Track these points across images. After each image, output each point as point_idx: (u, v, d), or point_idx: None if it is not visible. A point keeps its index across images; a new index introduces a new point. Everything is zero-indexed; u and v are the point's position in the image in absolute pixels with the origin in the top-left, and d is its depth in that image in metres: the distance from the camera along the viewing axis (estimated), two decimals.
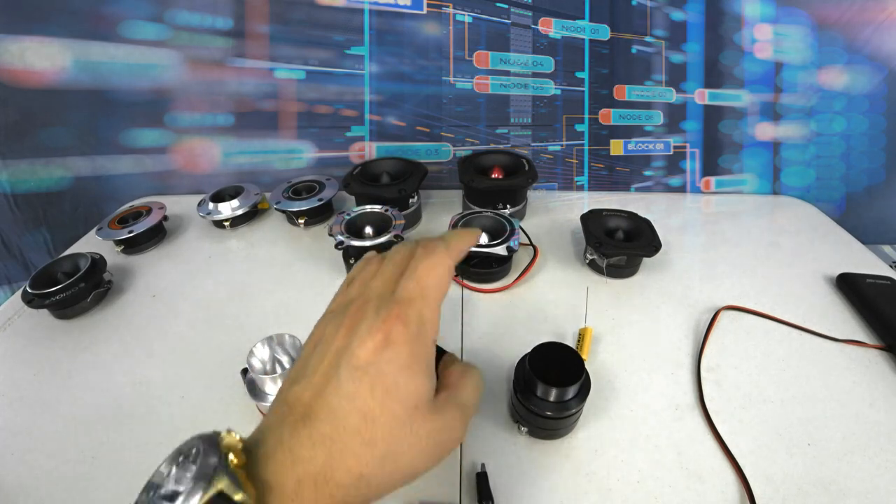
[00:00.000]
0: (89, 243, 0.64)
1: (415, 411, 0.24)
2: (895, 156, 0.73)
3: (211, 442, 0.21)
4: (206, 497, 0.19)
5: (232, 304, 0.53)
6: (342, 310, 0.27)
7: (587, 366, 0.36)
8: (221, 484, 0.19)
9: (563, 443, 0.38)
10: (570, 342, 0.46)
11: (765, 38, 0.69)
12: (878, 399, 0.41)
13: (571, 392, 0.35)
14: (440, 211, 0.69)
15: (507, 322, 0.49)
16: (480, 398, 0.29)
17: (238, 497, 0.19)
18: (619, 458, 0.37)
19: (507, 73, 0.71)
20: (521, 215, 0.67)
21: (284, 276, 0.57)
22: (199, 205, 0.65)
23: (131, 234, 0.59)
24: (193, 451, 0.21)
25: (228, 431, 0.22)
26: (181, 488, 0.19)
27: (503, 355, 0.45)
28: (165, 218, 0.63)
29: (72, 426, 0.40)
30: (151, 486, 0.20)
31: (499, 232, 0.55)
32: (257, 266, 0.59)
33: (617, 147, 0.75)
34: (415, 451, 0.24)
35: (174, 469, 0.20)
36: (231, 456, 0.20)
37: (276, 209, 0.64)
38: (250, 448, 0.22)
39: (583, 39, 0.70)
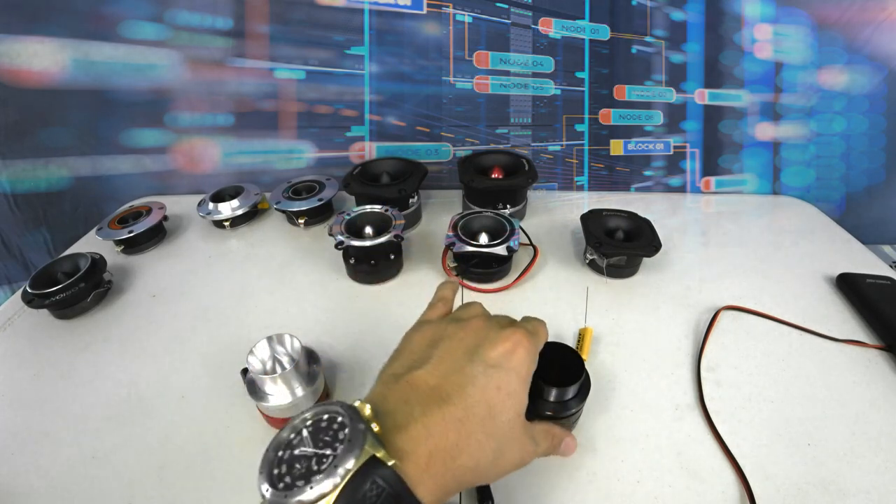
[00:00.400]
0: (89, 243, 0.64)
1: (518, 419, 0.27)
2: (895, 156, 0.73)
3: (354, 411, 0.22)
4: (362, 461, 0.20)
5: (232, 304, 0.53)
6: (456, 321, 0.30)
7: (587, 366, 0.36)
8: (373, 449, 0.21)
9: None
10: (570, 342, 0.46)
11: (765, 38, 0.69)
12: (878, 399, 0.41)
13: (571, 392, 0.35)
14: (440, 211, 0.69)
15: None
16: (546, 454, 0.32)
17: (391, 462, 0.21)
18: (619, 458, 0.37)
19: (507, 73, 0.71)
20: (521, 215, 0.67)
21: (284, 276, 0.57)
22: (199, 205, 0.65)
23: (131, 234, 0.59)
24: (337, 419, 0.22)
25: (361, 402, 0.23)
26: (329, 451, 0.21)
27: None
28: (165, 218, 0.63)
29: (72, 426, 0.40)
30: (283, 444, 0.22)
31: (499, 232, 0.55)
32: (257, 266, 0.59)
33: (617, 147, 0.75)
34: (514, 452, 0.27)
35: (308, 434, 0.22)
36: (373, 424, 0.22)
37: (276, 209, 0.64)
38: (376, 419, 0.23)
39: (583, 39, 0.70)
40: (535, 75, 0.71)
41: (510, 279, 0.54)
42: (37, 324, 0.51)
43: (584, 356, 0.43)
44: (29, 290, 0.49)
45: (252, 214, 0.67)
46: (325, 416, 0.23)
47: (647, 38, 0.71)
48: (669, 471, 0.36)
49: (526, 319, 0.33)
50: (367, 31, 0.67)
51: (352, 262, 0.54)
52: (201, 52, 0.66)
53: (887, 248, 0.76)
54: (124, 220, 0.61)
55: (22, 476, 0.37)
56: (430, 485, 0.22)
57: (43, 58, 0.62)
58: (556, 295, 0.53)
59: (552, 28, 0.70)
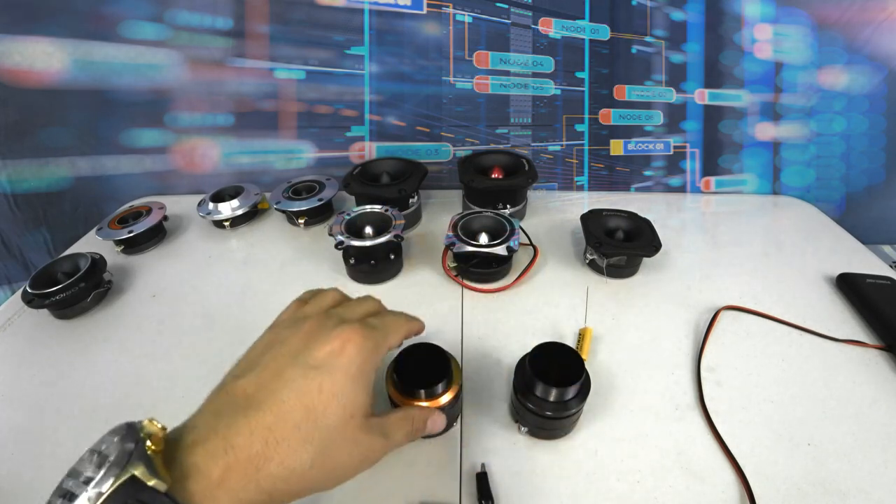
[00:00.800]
0: (89, 243, 0.64)
1: (350, 420, 0.26)
2: (895, 156, 0.73)
3: (131, 429, 0.22)
4: (119, 482, 0.19)
5: (232, 303, 0.53)
6: (298, 320, 0.29)
7: (587, 366, 0.36)
8: (135, 469, 0.20)
9: (563, 443, 0.38)
10: (570, 342, 0.46)
11: (765, 38, 0.69)
12: (878, 399, 0.41)
13: (571, 392, 0.35)
14: (440, 211, 0.69)
15: (507, 322, 0.49)
16: (408, 440, 0.31)
17: (151, 482, 0.20)
18: (619, 458, 0.37)
19: (507, 73, 0.71)
20: (521, 215, 0.67)
21: (284, 276, 0.57)
22: (199, 205, 0.65)
23: (131, 234, 0.59)
24: (115, 438, 0.21)
25: (151, 420, 0.22)
26: (95, 474, 0.20)
27: (503, 355, 0.45)
28: (165, 218, 0.63)
29: (72, 426, 0.40)
30: (72, 473, 0.21)
31: (499, 232, 0.55)
32: (257, 266, 0.59)
33: (617, 147, 0.75)
34: (344, 456, 0.26)
35: (95, 456, 0.21)
36: (149, 442, 0.21)
37: (276, 209, 0.64)
38: (179, 435, 0.23)
39: (583, 39, 0.70)
40: (535, 75, 0.71)
41: (510, 279, 0.54)
42: (37, 324, 0.51)
43: (583, 356, 0.43)
44: (29, 290, 0.49)
45: (252, 214, 0.67)
46: (108, 437, 0.22)
47: (647, 38, 0.71)
48: (669, 471, 0.36)
49: (381, 314, 0.32)
50: (367, 31, 0.67)
51: (352, 262, 0.54)
52: (201, 52, 0.66)
53: (887, 248, 0.76)
54: (124, 220, 0.61)
55: (22, 476, 0.36)
56: (225, 500, 0.21)
57: (43, 58, 0.62)
58: (556, 295, 0.53)
59: (552, 28, 0.70)
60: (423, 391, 0.35)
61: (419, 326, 0.34)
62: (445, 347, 0.38)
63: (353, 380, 0.26)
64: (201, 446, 0.22)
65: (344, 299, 0.34)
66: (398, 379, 0.35)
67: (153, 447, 0.21)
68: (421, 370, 0.36)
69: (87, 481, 0.20)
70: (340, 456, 0.26)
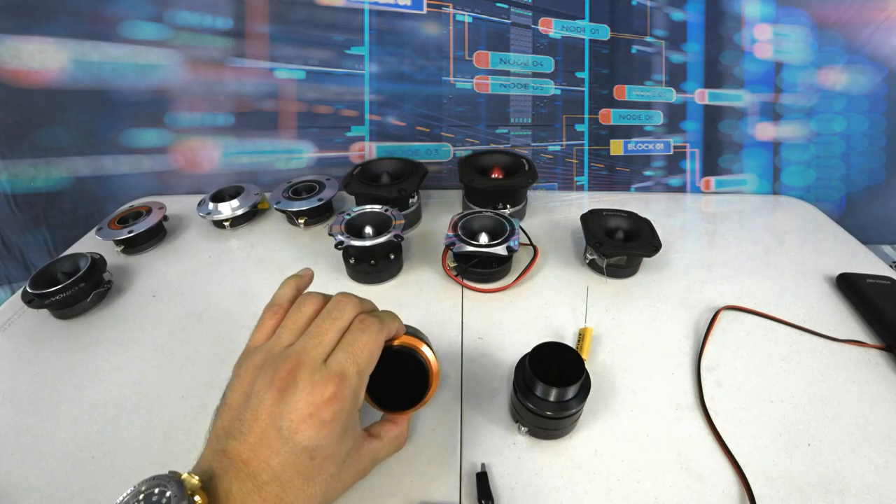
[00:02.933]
0: (89, 243, 0.64)
1: (344, 464, 0.29)
2: (895, 156, 0.73)
3: (180, 486, 0.23)
4: None
5: (232, 304, 0.53)
6: (272, 361, 0.29)
7: (587, 366, 0.36)
8: None
9: (563, 443, 0.38)
10: (571, 342, 0.46)
11: (765, 38, 0.69)
12: (878, 399, 0.41)
13: (571, 392, 0.35)
14: (440, 211, 0.69)
15: (507, 322, 0.49)
16: (393, 453, 0.35)
17: None
18: (619, 458, 0.37)
19: (507, 73, 0.71)
20: (521, 215, 0.67)
21: (284, 276, 0.56)
22: (199, 205, 0.65)
23: (131, 234, 0.59)
24: (165, 493, 0.23)
25: (189, 474, 0.24)
26: None
27: (503, 355, 0.45)
28: (165, 218, 0.63)
29: (72, 426, 0.40)
30: None
31: (499, 232, 0.55)
32: (257, 266, 0.59)
33: (617, 147, 0.75)
34: (339, 490, 0.30)
35: None
36: (197, 498, 0.23)
37: (276, 209, 0.64)
38: (205, 487, 0.24)
39: (583, 39, 0.70)
40: (535, 75, 0.71)
41: (510, 279, 0.54)
42: (37, 324, 0.51)
43: (583, 356, 0.43)
44: (29, 290, 0.49)
45: (252, 214, 0.67)
46: (157, 490, 0.23)
47: (647, 38, 0.71)
48: (669, 471, 0.36)
49: (355, 333, 0.30)
50: (367, 31, 0.67)
51: (352, 262, 0.54)
52: (201, 52, 0.66)
53: (887, 248, 0.76)
54: (124, 220, 0.61)
55: (22, 475, 0.37)
56: None
57: (43, 58, 0.62)
58: (556, 295, 0.53)
59: (552, 28, 0.70)
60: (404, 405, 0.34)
61: (393, 327, 0.33)
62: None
63: (339, 438, 0.28)
64: None
65: (318, 308, 0.32)
66: (373, 398, 0.34)
67: (200, 501, 0.23)
68: (395, 378, 0.34)
69: None
70: (337, 492, 0.30)
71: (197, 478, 0.24)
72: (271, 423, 0.26)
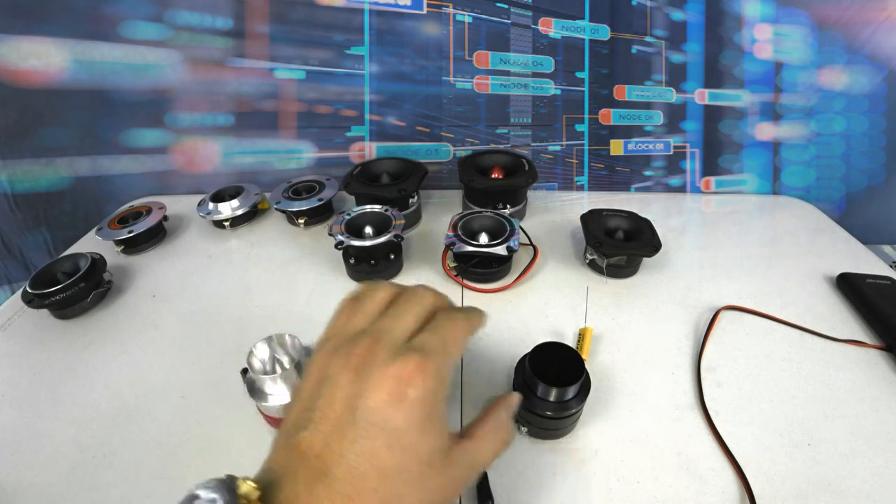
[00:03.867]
0: (89, 243, 0.64)
1: (428, 468, 0.24)
2: (895, 156, 0.73)
3: (230, 491, 0.21)
4: None
5: (232, 304, 0.53)
6: (347, 343, 0.26)
7: (587, 366, 0.36)
8: None
9: (563, 443, 0.38)
10: (571, 342, 0.46)
11: (765, 38, 0.69)
12: (878, 399, 0.41)
13: (571, 392, 0.35)
14: (440, 211, 0.69)
15: (507, 322, 0.49)
16: (498, 454, 0.28)
17: None
18: (619, 458, 0.37)
19: (507, 73, 0.71)
20: (521, 215, 0.67)
21: (284, 276, 0.57)
22: (199, 205, 0.65)
23: (131, 234, 0.59)
24: (213, 502, 0.20)
25: (244, 479, 0.22)
26: None
27: (503, 355, 0.45)
28: (165, 218, 0.63)
29: (72, 426, 0.40)
30: None
31: (499, 232, 0.55)
32: (257, 266, 0.59)
33: (617, 147, 0.75)
34: (431, 493, 0.24)
35: None
36: None
37: (276, 209, 0.64)
38: (264, 491, 0.22)
39: (583, 39, 0.70)
40: (535, 75, 0.71)
41: (510, 279, 0.54)
42: (37, 324, 0.51)
43: (584, 356, 0.43)
44: (29, 290, 0.49)
45: (252, 214, 0.67)
46: (205, 496, 0.21)
47: (647, 38, 0.71)
48: (669, 471, 0.36)
49: (436, 322, 0.28)
50: (367, 31, 0.67)
51: (352, 262, 0.54)
52: (201, 52, 0.66)
53: (887, 248, 0.76)
54: (124, 220, 0.61)
55: (22, 476, 0.36)
56: None
57: (43, 58, 0.62)
58: (556, 295, 0.53)
59: (552, 28, 0.70)
60: None
61: (478, 321, 0.30)
62: None
63: (422, 427, 0.23)
64: None
65: (396, 296, 0.29)
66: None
67: None
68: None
69: None
70: (427, 494, 0.24)
71: (254, 485, 0.21)
72: (347, 406, 0.23)
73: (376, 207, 0.57)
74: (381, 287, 0.30)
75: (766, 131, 0.73)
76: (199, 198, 0.66)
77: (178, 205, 0.69)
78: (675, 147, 0.75)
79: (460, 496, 0.34)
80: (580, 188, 0.76)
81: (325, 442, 0.23)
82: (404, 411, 0.23)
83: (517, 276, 0.54)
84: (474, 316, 0.30)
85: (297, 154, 0.73)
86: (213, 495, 0.20)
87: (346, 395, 0.24)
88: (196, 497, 0.21)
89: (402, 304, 0.28)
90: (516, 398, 0.30)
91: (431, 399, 0.24)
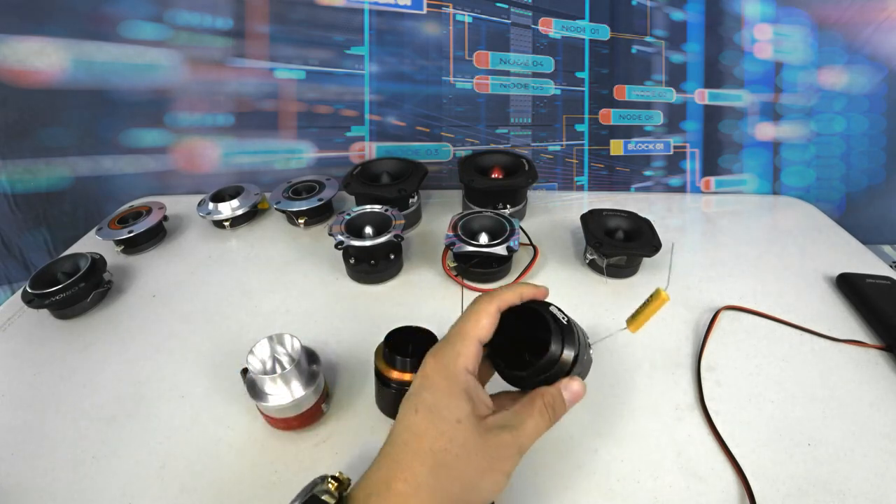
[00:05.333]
0: (89, 243, 0.64)
1: (458, 425, 0.25)
2: (895, 156, 0.73)
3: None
4: None
5: (232, 304, 0.53)
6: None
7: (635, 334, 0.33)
8: None
9: (562, 442, 0.38)
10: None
11: (765, 38, 0.69)
12: (878, 399, 0.41)
13: (555, 348, 0.29)
14: (440, 211, 0.69)
15: None
16: (546, 423, 0.27)
17: None
18: (619, 458, 0.37)
19: (507, 73, 0.71)
20: (521, 215, 0.67)
21: (284, 276, 0.57)
22: (199, 205, 0.65)
23: (131, 234, 0.59)
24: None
25: (333, 477, 0.26)
26: None
27: None
28: (165, 218, 0.63)
29: (72, 426, 0.40)
30: None
31: (499, 232, 0.55)
32: (257, 266, 0.59)
33: (617, 147, 0.75)
34: (463, 463, 0.25)
35: None
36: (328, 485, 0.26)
37: (276, 209, 0.64)
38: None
39: (583, 39, 0.70)
40: (535, 75, 0.71)
41: (510, 279, 0.55)
42: (37, 324, 0.51)
43: (634, 327, 0.36)
44: (29, 290, 0.49)
45: (252, 214, 0.67)
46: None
47: (647, 38, 0.71)
48: (669, 471, 0.36)
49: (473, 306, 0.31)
50: (367, 31, 0.67)
51: (352, 262, 0.54)
52: (201, 52, 0.66)
53: (887, 248, 0.76)
54: (124, 220, 0.61)
55: (22, 476, 0.37)
56: None
57: (43, 58, 0.62)
58: (556, 295, 0.53)
59: (552, 28, 0.70)
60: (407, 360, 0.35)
61: (512, 295, 0.31)
62: None
63: (443, 391, 0.26)
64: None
65: None
66: (387, 350, 0.36)
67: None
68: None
69: None
70: (460, 462, 0.25)
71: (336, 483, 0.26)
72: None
73: (376, 207, 0.57)
74: None
75: (766, 131, 0.73)
76: (199, 198, 0.66)
77: (178, 205, 0.69)
78: (675, 147, 0.75)
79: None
80: (580, 188, 0.76)
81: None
82: (426, 383, 0.27)
83: (517, 276, 0.54)
84: (502, 291, 0.31)
85: (297, 154, 0.73)
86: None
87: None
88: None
89: None
90: (575, 386, 0.29)
91: (444, 370, 0.27)
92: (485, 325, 0.29)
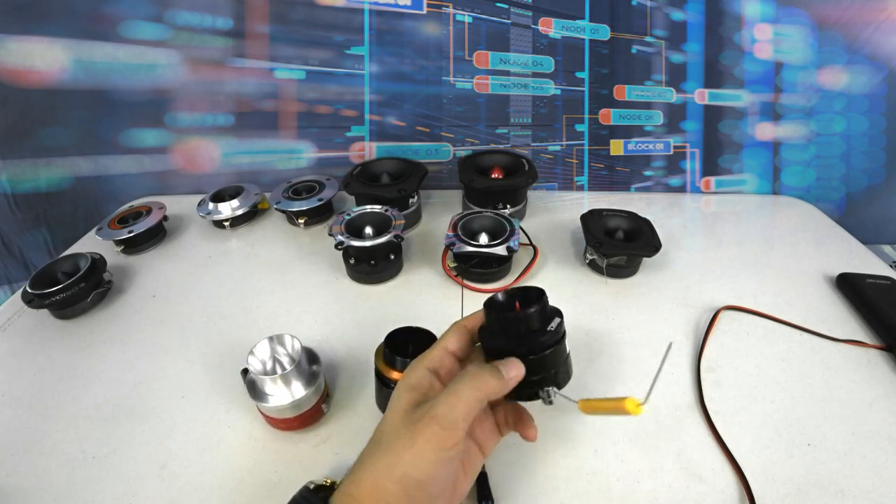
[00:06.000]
0: (89, 243, 0.64)
1: (404, 415, 0.27)
2: (895, 156, 0.73)
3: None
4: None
5: (232, 304, 0.53)
6: None
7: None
8: None
9: (563, 443, 0.38)
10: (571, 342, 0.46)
11: (765, 38, 0.69)
12: (878, 399, 0.41)
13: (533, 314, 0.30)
14: (440, 211, 0.69)
15: None
16: (475, 403, 0.26)
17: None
18: (619, 458, 0.37)
19: (507, 73, 0.71)
20: (521, 215, 0.67)
21: (284, 276, 0.57)
22: (199, 205, 0.65)
23: (131, 234, 0.59)
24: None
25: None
26: None
27: None
28: (165, 218, 0.63)
29: (72, 426, 0.40)
30: None
31: (499, 232, 0.55)
32: (257, 266, 0.59)
33: (617, 147, 0.75)
34: (409, 454, 0.25)
35: None
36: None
37: (276, 209, 0.64)
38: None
39: (583, 39, 0.70)
40: (535, 75, 0.71)
41: (510, 279, 0.54)
42: (37, 324, 0.51)
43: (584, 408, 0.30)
44: (29, 290, 0.49)
45: (252, 214, 0.67)
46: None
47: (647, 38, 0.71)
48: (669, 471, 0.36)
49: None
50: (367, 31, 0.67)
51: (352, 262, 0.54)
52: (201, 52, 0.66)
53: (887, 248, 0.76)
54: (124, 220, 0.61)
55: (22, 476, 0.37)
56: None
57: (43, 58, 0.62)
58: (556, 295, 0.53)
59: (552, 28, 0.70)
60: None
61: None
62: None
63: (398, 388, 0.29)
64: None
65: None
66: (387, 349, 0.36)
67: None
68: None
69: None
70: (406, 454, 0.25)
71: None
72: None
73: (376, 207, 0.57)
74: None
75: (766, 131, 0.73)
76: (199, 198, 0.66)
77: (178, 205, 0.69)
78: (675, 147, 0.75)
79: None
80: (580, 188, 0.76)
81: None
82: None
83: (517, 276, 0.54)
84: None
85: (297, 154, 0.73)
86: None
87: None
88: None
89: None
90: (512, 367, 0.28)
91: (407, 376, 0.30)
92: (452, 338, 0.31)
